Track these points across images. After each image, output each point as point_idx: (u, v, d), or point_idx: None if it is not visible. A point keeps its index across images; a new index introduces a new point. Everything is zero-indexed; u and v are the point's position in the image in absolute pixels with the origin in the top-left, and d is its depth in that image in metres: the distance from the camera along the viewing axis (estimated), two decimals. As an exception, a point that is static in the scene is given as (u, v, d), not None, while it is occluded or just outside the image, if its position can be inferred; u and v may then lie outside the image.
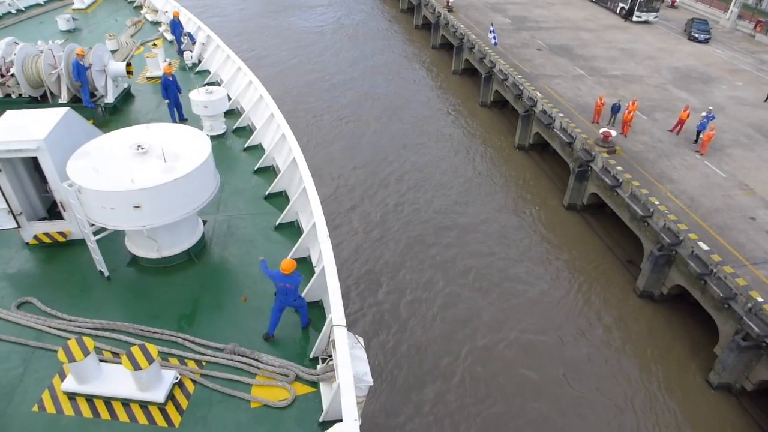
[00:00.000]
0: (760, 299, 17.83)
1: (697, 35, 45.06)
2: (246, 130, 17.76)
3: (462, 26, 42.92)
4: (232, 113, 18.72)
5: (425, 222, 27.02)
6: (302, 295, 10.36)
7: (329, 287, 9.56)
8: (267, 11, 59.30)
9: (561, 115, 29.47)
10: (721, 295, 18.66)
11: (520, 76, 34.19)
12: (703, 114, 27.74)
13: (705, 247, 20.22)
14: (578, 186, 27.47)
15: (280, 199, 14.09)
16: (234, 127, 17.82)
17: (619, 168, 24.94)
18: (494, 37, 38.11)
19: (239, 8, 60.16)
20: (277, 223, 13.10)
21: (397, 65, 46.00)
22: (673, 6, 55.95)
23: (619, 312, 22.37)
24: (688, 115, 28.21)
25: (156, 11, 29.00)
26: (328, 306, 9.89)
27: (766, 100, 34.08)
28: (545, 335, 21.19)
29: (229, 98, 18.78)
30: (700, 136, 27.39)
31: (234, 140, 17.28)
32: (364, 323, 21.32)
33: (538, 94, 31.79)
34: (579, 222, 27.62)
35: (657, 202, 22.56)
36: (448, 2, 47.47)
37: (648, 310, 22.50)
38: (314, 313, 10.54)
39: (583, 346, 20.80)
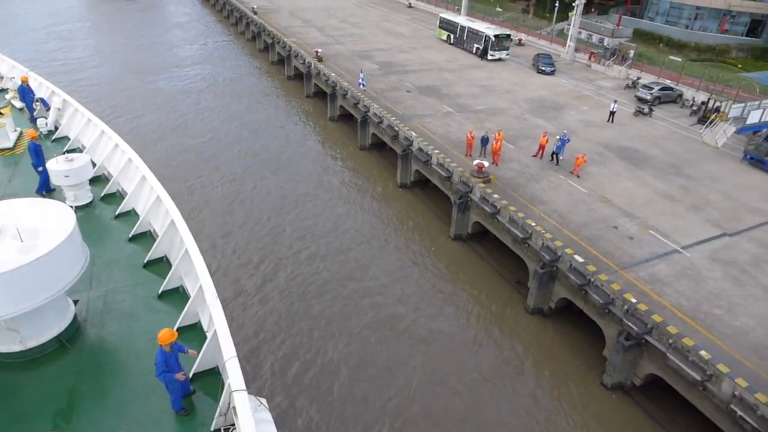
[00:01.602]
0: (634, 300, 19.61)
1: (544, 68, 50.19)
2: (116, 197, 16.61)
3: (333, 74, 44.16)
4: (98, 180, 17.47)
5: (315, 271, 26.68)
6: (197, 362, 9.69)
7: (224, 351, 9.03)
8: (130, 72, 56.76)
9: (437, 151, 31.02)
10: (600, 301, 20.27)
11: (394, 118, 35.65)
12: (558, 137, 30.77)
13: (580, 259, 21.97)
14: (461, 217, 28.82)
15: (161, 265, 13.22)
16: (102, 195, 16.60)
17: (495, 196, 26.58)
18: (362, 82, 39.54)
19: (97, 71, 57.05)
20: (160, 291, 12.24)
21: (274, 118, 45.88)
22: (520, 44, 61.95)
23: (513, 331, 23.41)
24: (546, 141, 31.03)
25: (1, 77, 26.69)
26: (225, 371, 9.31)
27: (608, 120, 38.50)
28: (446, 367, 21.54)
29: (94, 164, 17.54)
30: (559, 157, 30.26)
31: (103, 208, 16.07)
32: (263, 381, 20.34)
33: (413, 133, 33.29)
34: (466, 251, 28.84)
35: (533, 224, 24.25)
36: (316, 53, 48.74)
37: (540, 326, 23.80)
38: (211, 380, 9.86)
39: (485, 368, 21.39)
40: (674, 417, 19.46)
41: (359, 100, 39.12)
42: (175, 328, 11.00)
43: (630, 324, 19.16)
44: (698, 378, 17.10)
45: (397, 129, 34.40)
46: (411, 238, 29.79)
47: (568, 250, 22.52)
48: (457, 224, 29.11)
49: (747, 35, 60.50)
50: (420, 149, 31.92)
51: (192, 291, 11.63)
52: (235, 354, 9.05)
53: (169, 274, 12.37)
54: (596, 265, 21.75)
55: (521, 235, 24.14)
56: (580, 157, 29.12)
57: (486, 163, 28.37)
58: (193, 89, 52.13)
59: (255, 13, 68.64)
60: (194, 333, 11.04)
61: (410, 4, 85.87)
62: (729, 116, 28.43)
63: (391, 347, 22.26)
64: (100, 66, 58.95)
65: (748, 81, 38.02)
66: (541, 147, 31.21)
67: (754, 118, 28.75)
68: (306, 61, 49.40)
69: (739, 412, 15.91)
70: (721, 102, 38.69)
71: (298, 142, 41.34)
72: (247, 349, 21.66)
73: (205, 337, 10.39)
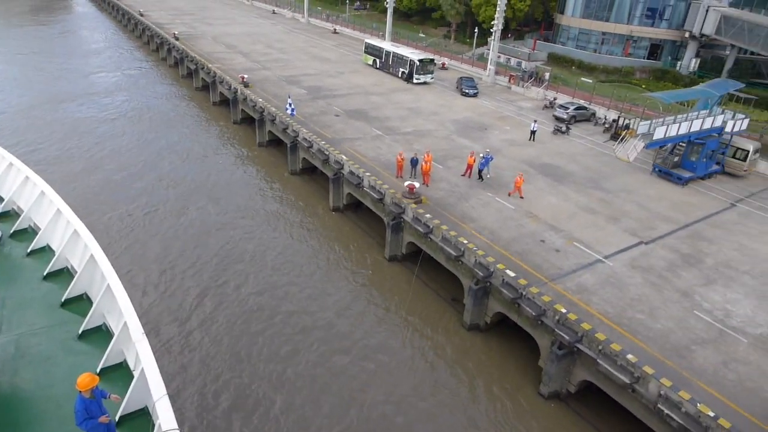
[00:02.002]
0: (564, 310, 20.33)
1: (467, 91, 52.05)
2: (28, 233, 15.42)
3: (260, 100, 43.70)
4: (7, 216, 16.20)
5: (246, 302, 25.89)
6: (123, 404, 9.06)
7: (153, 390, 8.49)
8: (44, 101, 53.63)
9: (368, 173, 31.20)
10: (533, 313, 20.87)
11: (324, 142, 35.62)
12: (482, 155, 31.90)
13: (512, 274, 22.60)
14: (395, 238, 29.01)
15: (80, 303, 12.34)
16: (12, 231, 15.38)
17: (427, 215, 26.98)
18: (291, 109, 39.39)
19: (4, 100, 53.52)
20: (80, 331, 11.40)
21: (201, 145, 44.53)
22: (444, 68, 64.01)
23: (451, 348, 23.60)
24: (474, 160, 32.01)
25: None
26: (155, 412, 8.75)
27: (530, 139, 40.28)
28: (384, 390, 21.39)
29: (2, 199, 16.29)
30: (483, 174, 31.48)
31: (13, 246, 14.86)
32: (198, 418, 19.35)
33: (344, 157, 33.37)
34: (403, 271, 28.98)
35: (466, 241, 24.76)
36: (243, 78, 48.14)
37: (477, 341, 24.16)
38: (140, 422, 9.24)
39: (425, 388, 21.37)
40: (608, 420, 20.18)
41: (288, 125, 38.85)
42: (98, 369, 10.26)
43: (562, 333, 19.81)
44: (627, 381, 17.85)
45: (327, 153, 34.37)
46: (346, 261, 29.58)
47: (500, 266, 23.11)
48: (391, 245, 29.25)
49: (648, 58, 65.53)
50: (351, 172, 32.01)
51: (116, 328, 10.92)
52: (166, 392, 8.53)
53: (90, 312, 11.57)
54: (527, 279, 22.43)
55: (454, 253, 24.57)
56: (519, 179, 29.88)
57: (417, 184, 28.81)
58: (114, 118, 49.92)
59: (177, 39, 67.12)
60: (120, 373, 10.33)
61: (335, 30, 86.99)
62: (638, 132, 30.42)
63: (331, 375, 21.81)
64: (8, 93, 55.37)
65: (652, 100, 40.98)
66: (469, 167, 32.14)
67: (659, 134, 30.91)
68: (232, 87, 48.66)
69: (666, 411, 16.73)
70: (629, 119, 41.48)
71: (228, 169, 40.31)
72: (176, 386, 20.57)
73: (132, 377, 9.75)
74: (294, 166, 39.36)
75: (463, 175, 32.27)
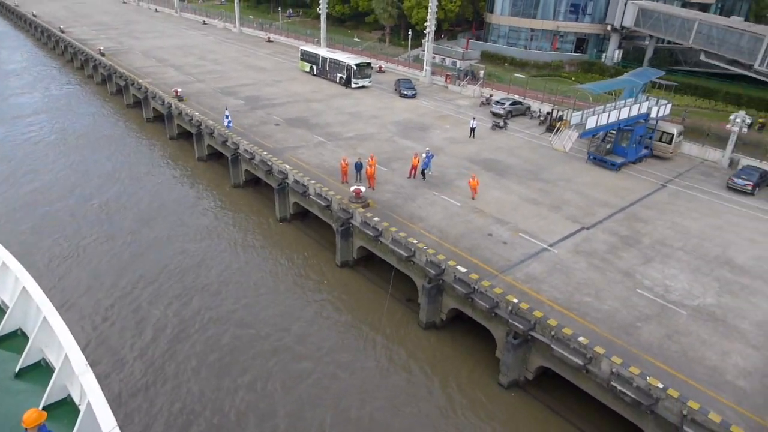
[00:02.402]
0: (516, 301, 20.76)
1: (406, 92, 52.56)
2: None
3: (197, 114, 42.55)
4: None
5: (198, 323, 25.13)
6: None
7: (102, 424, 8.04)
8: (-44, 128, 50.31)
9: (313, 181, 30.91)
10: (486, 306, 21.21)
11: (266, 153, 35.04)
12: (423, 155, 32.26)
13: (463, 269, 22.89)
14: (345, 244, 28.85)
15: (15, 339, 11.56)
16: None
17: (376, 219, 26.98)
18: (228, 121, 38.49)
19: None
20: (17, 369, 10.68)
21: (137, 164, 42.76)
22: (381, 71, 64.40)
23: (409, 348, 23.66)
24: (418, 161, 32.29)
25: None
26: None
27: (470, 136, 41.06)
28: (349, 397, 21.22)
29: None
30: (426, 172, 31.83)
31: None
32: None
33: (287, 166, 32.93)
34: (355, 276, 28.84)
35: (416, 241, 24.90)
36: (176, 92, 46.74)
37: (435, 339, 24.32)
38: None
39: (386, 391, 21.33)
40: (566, 401, 20.73)
41: (227, 138, 37.99)
42: (40, 407, 9.63)
43: (515, 323, 20.24)
44: (580, 363, 18.42)
45: (270, 163, 33.83)
46: (297, 272, 29.16)
47: (451, 263, 23.37)
48: (342, 252, 29.07)
49: (575, 52, 68.24)
50: (296, 181, 31.63)
51: (56, 363, 10.29)
52: (116, 424, 8.10)
53: (27, 348, 10.85)
54: (478, 273, 22.78)
55: (405, 254, 24.66)
56: (473, 181, 29.97)
57: (363, 188, 28.77)
58: (39, 141, 47.28)
59: (103, 55, 64.47)
60: (64, 409, 9.74)
61: (269, 38, 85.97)
62: (571, 123, 31.54)
63: (293, 389, 21.42)
64: None
65: (581, 91, 42.62)
66: (413, 168, 32.40)
67: (591, 123, 32.17)
68: (165, 102, 47.15)
69: (619, 387, 17.36)
70: (563, 111, 42.98)
71: (167, 187, 38.91)
72: (125, 417, 19.67)
73: (78, 411, 9.21)
74: (237, 179, 38.52)
75: (409, 177, 32.49)
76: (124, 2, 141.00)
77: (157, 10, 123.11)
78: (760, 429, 15.64)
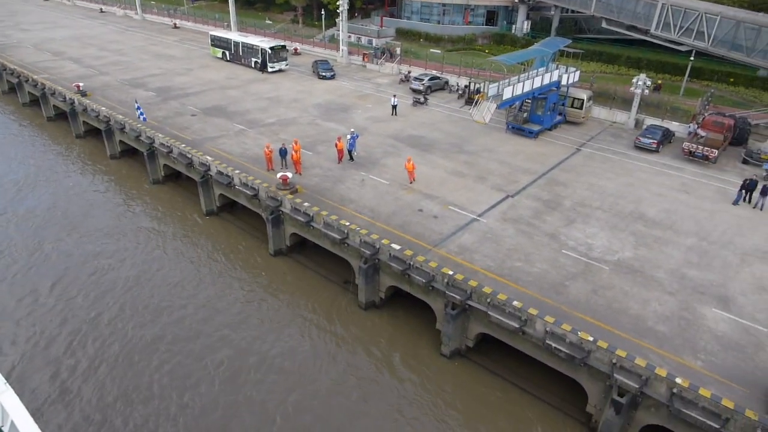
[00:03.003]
0: (451, 273, 21.23)
1: (324, 74, 51.81)
2: None
3: (104, 108, 39.92)
4: None
5: (128, 331, 23.99)
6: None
7: None
8: None
9: (237, 171, 29.97)
10: (423, 281, 21.56)
11: (184, 145, 33.51)
12: (348, 136, 32.06)
13: (397, 247, 23.10)
14: (276, 232, 28.31)
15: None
16: None
17: (306, 204, 26.60)
18: (141, 114, 36.51)
19: None
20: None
21: (44, 168, 39.40)
22: (296, 53, 63.08)
23: (351, 330, 23.74)
24: (342, 144, 31.88)
25: None
26: None
27: (392, 114, 41.19)
28: (295, 387, 21.09)
29: None
30: (353, 153, 31.53)
31: None
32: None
33: (208, 157, 31.70)
34: (290, 264, 28.44)
35: (348, 223, 24.80)
36: (78, 87, 43.52)
37: (376, 318, 24.52)
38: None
39: (333, 375, 21.36)
40: (507, 363, 21.61)
41: (141, 132, 35.97)
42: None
43: (452, 294, 20.73)
44: (516, 326, 19.20)
45: (190, 156, 32.41)
46: (230, 265, 28.33)
47: (384, 241, 23.50)
48: (274, 240, 28.53)
49: (486, 24, 69.68)
50: (219, 172, 30.54)
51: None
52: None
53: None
54: (412, 249, 23.06)
55: (339, 237, 24.55)
56: (409, 164, 29.17)
57: (290, 174, 28.22)
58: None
59: (-11, 52, 58.94)
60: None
61: (175, 24, 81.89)
62: (488, 95, 32.31)
63: (241, 394, 20.97)
64: None
65: (496, 63, 43.70)
66: (340, 152, 31.93)
67: (507, 94, 33.08)
68: (67, 98, 43.87)
69: (554, 345, 18.26)
70: (479, 84, 44.01)
71: (80, 190, 36.33)
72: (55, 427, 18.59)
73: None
74: (155, 174, 36.67)
75: (339, 163, 31.92)
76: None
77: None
78: (680, 367, 16.99)
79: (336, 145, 31.98)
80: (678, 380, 16.22)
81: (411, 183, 29.31)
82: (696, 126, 36.06)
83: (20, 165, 40.00)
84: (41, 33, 73.20)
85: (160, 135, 34.99)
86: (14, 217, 32.66)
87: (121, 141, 39.54)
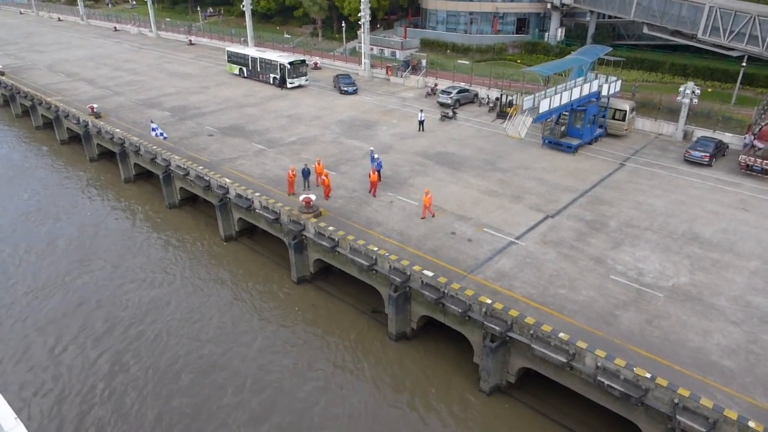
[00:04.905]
0: (489, 301, 20.75)
1: (346, 89, 52.20)
2: None
3: (118, 130, 40.70)
4: None
5: (148, 374, 24.00)
6: None
7: None
8: None
9: (257, 194, 30.07)
10: (459, 310, 21.10)
11: (201, 167, 33.85)
12: (376, 157, 31.73)
13: (430, 273, 22.71)
14: (300, 258, 28.21)
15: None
16: None
17: (330, 228, 26.46)
18: (161, 133, 37.11)
19: None
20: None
21: (57, 195, 40.04)
22: (317, 68, 63.79)
23: (382, 363, 23.32)
24: (376, 177, 30.30)
25: None
26: None
27: (419, 130, 41.10)
28: (328, 422, 20.72)
29: None
30: (379, 172, 31.00)
31: None
32: None
33: (227, 180, 31.93)
34: (315, 292, 28.25)
35: (376, 248, 24.54)
36: (92, 109, 44.56)
37: (407, 350, 24.06)
38: None
39: (367, 408, 20.92)
40: (553, 402, 20.91)
41: (156, 154, 36.50)
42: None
43: (491, 325, 20.22)
44: (564, 360, 18.56)
45: (207, 178, 32.70)
46: (251, 295, 28.22)
47: (416, 267, 23.16)
48: (297, 266, 28.41)
49: (517, 32, 69.64)
50: (239, 195, 30.69)
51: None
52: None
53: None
54: (446, 276, 22.65)
55: (366, 263, 24.29)
56: (427, 197, 27.53)
57: (313, 197, 28.14)
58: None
59: (2, 74, 60.98)
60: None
61: (191, 41, 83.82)
62: (524, 108, 32.01)
63: (287, 423, 20.70)
64: None
65: (530, 74, 43.40)
66: (373, 183, 30.35)
67: (544, 106, 32.75)
68: (81, 120, 44.93)
69: (606, 382, 17.57)
70: (512, 96, 43.72)
71: (96, 216, 36.82)
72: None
73: None
74: (171, 198, 37.09)
75: (373, 194, 30.37)
76: (21, 13, 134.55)
77: (60, 19, 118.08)
78: (753, 409, 16.14)
79: (370, 176, 30.65)
80: (751, 424, 15.38)
81: (423, 218, 27.61)
82: (753, 137, 35.11)
83: (33, 194, 40.75)
84: (55, 54, 75.60)
85: (176, 157, 35.45)
86: (32, 251, 33.02)
87: (135, 164, 40.19)
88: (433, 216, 27.72)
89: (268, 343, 24.67)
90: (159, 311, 26.93)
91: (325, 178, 29.82)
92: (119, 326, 25.84)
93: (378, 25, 77.05)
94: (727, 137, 37.48)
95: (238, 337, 25.01)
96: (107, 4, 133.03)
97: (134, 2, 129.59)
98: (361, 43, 60.19)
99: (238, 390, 22.00)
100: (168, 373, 22.98)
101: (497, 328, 20.06)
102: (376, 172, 30.60)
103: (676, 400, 16.46)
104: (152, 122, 39.25)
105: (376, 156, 31.97)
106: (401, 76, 56.96)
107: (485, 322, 20.46)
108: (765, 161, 32.34)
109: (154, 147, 37.06)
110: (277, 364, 23.43)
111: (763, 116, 38.10)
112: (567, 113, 37.48)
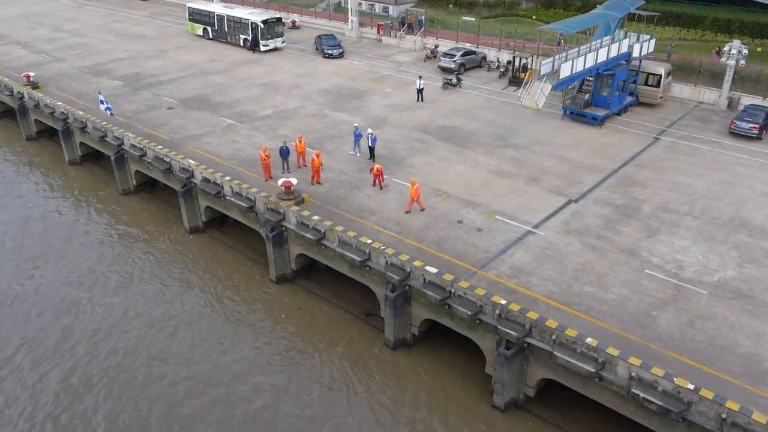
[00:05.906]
0: (504, 302, 20.77)
1: (330, 51, 51.94)
2: None
3: (60, 104, 40.30)
4: None
5: (108, 375, 23.99)
6: None
7: None
8: None
9: (228, 178, 29.88)
10: (468, 313, 21.11)
11: (160, 147, 33.59)
12: (369, 132, 31.75)
13: (434, 270, 22.68)
14: (279, 253, 28.15)
15: None
16: None
17: (315, 217, 26.33)
18: (108, 108, 36.80)
19: None
20: None
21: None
22: (294, 26, 63.40)
23: (378, 375, 23.42)
24: (380, 170, 29.32)
25: None
26: None
27: (417, 100, 40.99)
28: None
29: None
30: (374, 151, 31.35)
31: None
32: None
33: (191, 161, 31.69)
34: (298, 292, 28.27)
35: (369, 241, 24.44)
36: (28, 77, 44.03)
37: (408, 360, 24.16)
38: None
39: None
40: (579, 418, 21.07)
41: (107, 131, 36.18)
42: None
43: (507, 330, 20.24)
44: (591, 369, 18.63)
45: (168, 160, 32.48)
46: (223, 299, 28.11)
47: (416, 263, 23.13)
48: (276, 263, 28.36)
49: (531, -17, 69.35)
50: (205, 180, 30.52)
51: None
52: None
53: None
54: (452, 272, 22.64)
55: (358, 258, 24.25)
56: (413, 188, 26.88)
57: (294, 181, 27.92)
58: None
59: None
60: None
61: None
62: (541, 73, 31.87)
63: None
64: None
65: (548, 33, 43.22)
66: (375, 176, 29.46)
67: (566, 71, 32.63)
68: (15, 92, 44.48)
69: (642, 394, 17.65)
70: (526, 59, 43.59)
71: (35, 207, 36.60)
72: None
73: None
74: (126, 183, 36.90)
75: (380, 188, 29.43)
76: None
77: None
78: (812, 423, 16.32)
79: (371, 170, 29.71)
80: (811, 441, 15.56)
81: (408, 212, 27.10)
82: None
83: (-40, 176, 40.56)
84: (-20, 12, 74.70)
85: (130, 134, 35.16)
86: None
87: (82, 143, 39.88)
88: (422, 210, 27.18)
89: (245, 364, 24.61)
90: (104, 309, 26.91)
91: (315, 157, 29.40)
92: (66, 342, 25.75)
93: (367, -24, 76.52)
94: (779, 106, 37.64)
95: (206, 356, 24.96)
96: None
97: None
98: (347, -4, 59.78)
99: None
100: (127, 402, 22.98)
101: (513, 333, 20.08)
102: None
103: (723, 415, 16.56)
104: (100, 93, 38.85)
105: (369, 131, 31.78)
106: (395, 36, 56.63)
107: (499, 326, 20.48)
108: (824, 133, 32.50)
109: (104, 123, 36.73)
110: (261, 376, 23.45)
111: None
112: (592, 79, 37.40)
